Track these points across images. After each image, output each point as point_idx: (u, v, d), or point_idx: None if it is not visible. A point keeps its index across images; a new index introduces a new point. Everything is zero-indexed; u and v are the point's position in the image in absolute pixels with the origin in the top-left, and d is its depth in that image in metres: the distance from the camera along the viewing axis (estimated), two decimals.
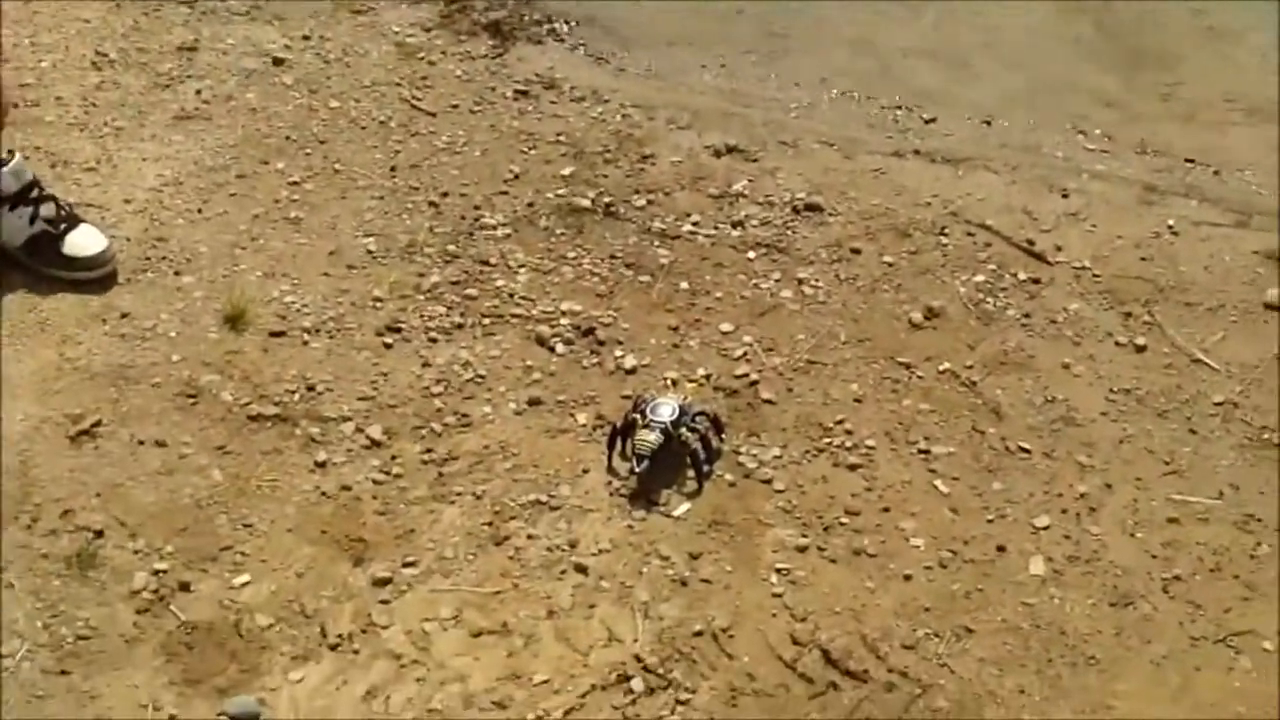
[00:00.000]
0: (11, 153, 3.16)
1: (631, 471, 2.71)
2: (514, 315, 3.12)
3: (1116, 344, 3.16)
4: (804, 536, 2.64)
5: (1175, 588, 2.59)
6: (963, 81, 4.26)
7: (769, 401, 2.95)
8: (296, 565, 2.53)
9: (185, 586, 2.48)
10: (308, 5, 4.24)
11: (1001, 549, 2.64)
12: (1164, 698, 2.40)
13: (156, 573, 2.49)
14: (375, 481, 2.70)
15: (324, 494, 2.67)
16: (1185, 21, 4.62)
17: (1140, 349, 3.15)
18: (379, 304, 3.12)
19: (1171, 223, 3.58)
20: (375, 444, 2.78)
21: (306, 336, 3.03)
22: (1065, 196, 3.67)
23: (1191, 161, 3.89)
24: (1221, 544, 2.68)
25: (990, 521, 2.70)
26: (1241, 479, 2.83)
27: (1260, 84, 4.31)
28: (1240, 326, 3.24)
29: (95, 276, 3.14)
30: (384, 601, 2.47)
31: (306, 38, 4.11)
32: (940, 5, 4.66)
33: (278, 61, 4.00)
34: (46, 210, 3.14)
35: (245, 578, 2.50)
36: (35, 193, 3.14)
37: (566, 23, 4.35)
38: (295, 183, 3.51)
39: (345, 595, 2.48)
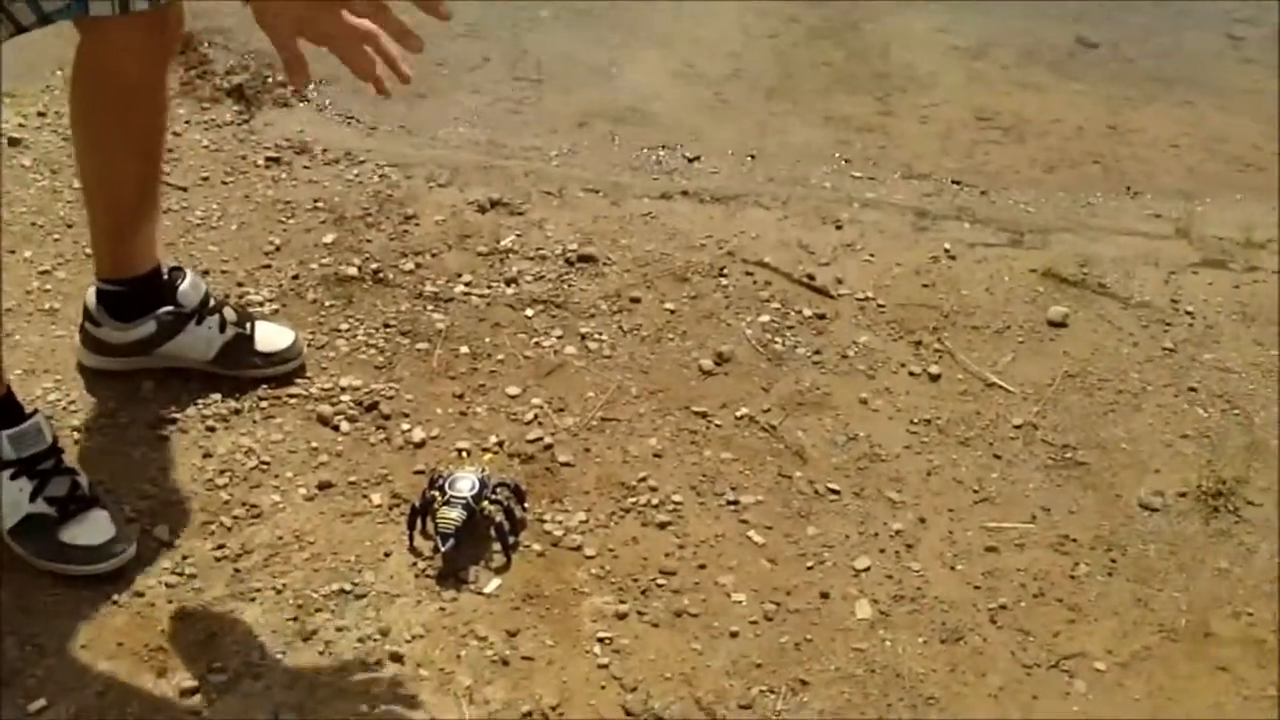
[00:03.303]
0: (178, 268, 2.95)
1: (436, 550, 2.58)
2: (292, 396, 2.96)
3: (910, 374, 3.13)
4: (622, 602, 2.53)
5: (1002, 617, 2.55)
6: (719, 115, 4.23)
7: (567, 464, 2.84)
8: (95, 684, 2.33)
9: None
10: (39, 80, 4.01)
11: (825, 595, 2.57)
12: None
13: None
14: (168, 585, 2.51)
15: (115, 603, 2.48)
16: (931, 40, 4.67)
17: (935, 378, 3.12)
18: (149, 395, 2.94)
19: (947, 246, 3.58)
20: (164, 544, 2.59)
21: (77, 436, 2.82)
22: (839, 228, 3.64)
23: (958, 183, 3.92)
24: (1041, 568, 2.66)
25: (810, 568, 2.63)
26: (1051, 500, 2.82)
27: (1009, 99, 4.38)
28: (1028, 346, 3.24)
29: (291, 369, 3.02)
30: (195, 713, 2.29)
31: (42, 114, 3.88)
32: (685, 36, 4.64)
33: (13, 142, 3.76)
34: (229, 314, 2.96)
35: (41, 703, 2.29)
36: (213, 300, 2.95)
37: (311, 83, 4.16)
38: (46, 271, 3.29)
39: (152, 710, 2.29)
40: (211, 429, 2.87)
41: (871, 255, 3.53)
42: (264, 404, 2.94)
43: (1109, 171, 4.06)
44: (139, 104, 2.71)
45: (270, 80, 4.18)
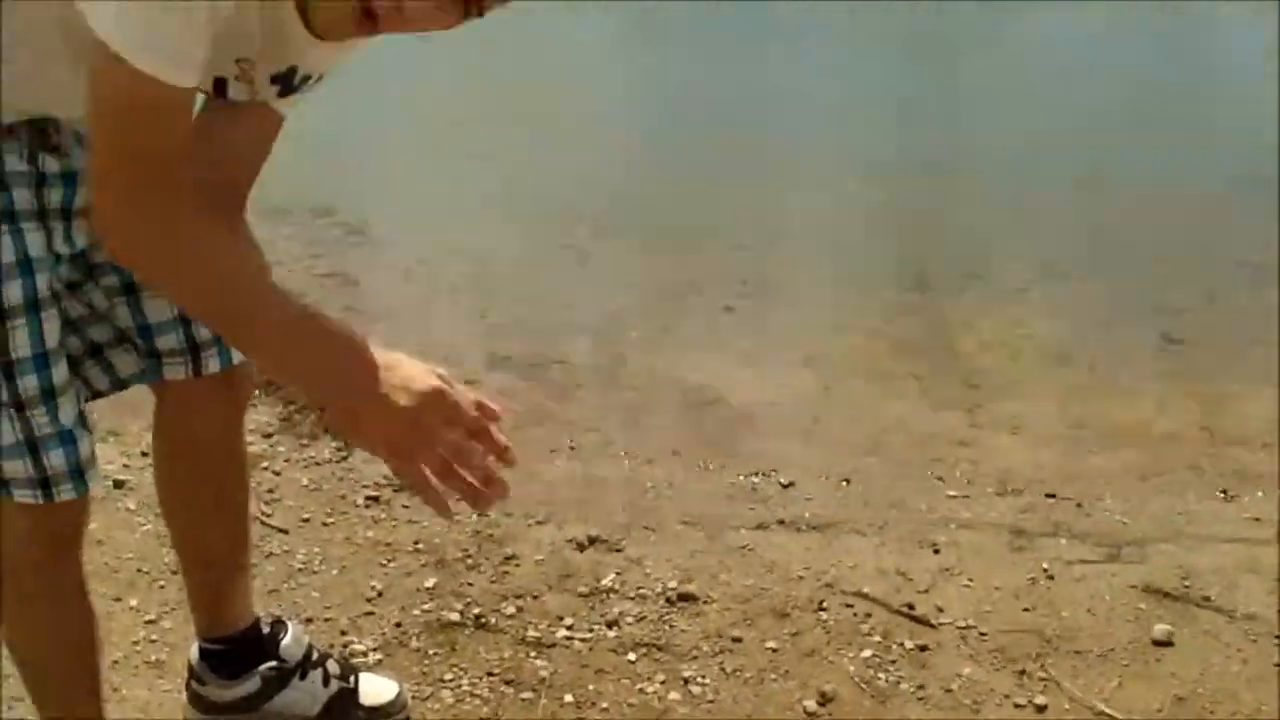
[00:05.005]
0: (280, 620, 2.99)
1: None
2: None
3: (1016, 705, 3.10)
4: None
5: None
6: (811, 437, 4.27)
7: None
8: None
9: None
10: (144, 419, 4.07)
11: None
12: None
13: None
14: None
15: None
16: (1017, 346, 4.72)
17: (1041, 709, 3.08)
18: None
19: (1045, 565, 3.57)
20: None
21: None
22: (937, 552, 3.65)
23: (1053, 496, 3.92)
24: None
25: None
26: None
27: (1098, 404, 4.40)
28: (1134, 670, 3.21)
29: None
30: None
31: (145, 454, 3.93)
32: (777, 354, 4.71)
33: (118, 484, 3.83)
34: (333, 667, 2.98)
35: None
36: (316, 654, 2.97)
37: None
38: (152, 620, 3.32)
39: None
40: None
41: (970, 580, 3.53)
42: None
43: (1203, 474, 4.06)
44: (219, 463, 2.77)
45: None
